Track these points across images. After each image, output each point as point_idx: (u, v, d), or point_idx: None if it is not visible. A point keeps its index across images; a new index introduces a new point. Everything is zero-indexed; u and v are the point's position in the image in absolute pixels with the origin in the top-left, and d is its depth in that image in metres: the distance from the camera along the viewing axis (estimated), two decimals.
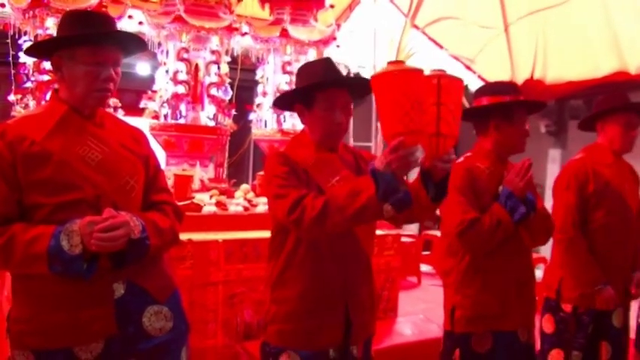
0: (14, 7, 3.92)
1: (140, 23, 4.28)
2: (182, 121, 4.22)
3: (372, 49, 6.38)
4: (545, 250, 2.97)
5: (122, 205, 1.66)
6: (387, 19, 6.44)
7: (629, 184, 2.78)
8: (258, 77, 4.97)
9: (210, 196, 3.70)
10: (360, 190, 1.61)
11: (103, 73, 1.68)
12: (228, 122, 4.47)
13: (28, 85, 4.09)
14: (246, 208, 3.64)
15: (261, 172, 4.19)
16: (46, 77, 3.88)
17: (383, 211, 1.60)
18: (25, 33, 4.07)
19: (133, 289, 1.67)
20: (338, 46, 4.96)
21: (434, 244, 6.91)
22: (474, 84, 6.75)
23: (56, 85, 1.79)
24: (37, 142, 1.61)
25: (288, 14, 4.64)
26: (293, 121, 4.63)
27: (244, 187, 4.07)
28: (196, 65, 4.30)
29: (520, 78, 6.25)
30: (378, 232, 3.09)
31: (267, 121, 4.77)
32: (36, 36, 3.86)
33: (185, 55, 4.22)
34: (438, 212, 2.07)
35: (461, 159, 2.30)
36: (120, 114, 4.12)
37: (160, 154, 4.18)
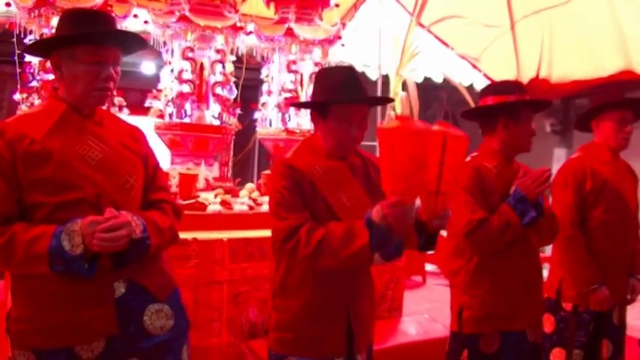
0: (20, 6, 3.92)
1: (145, 22, 4.28)
2: (187, 120, 4.21)
3: (377, 48, 6.36)
4: (550, 250, 2.97)
5: (122, 204, 1.66)
6: (392, 17, 6.42)
7: (627, 182, 2.78)
8: (263, 76, 4.95)
9: (215, 195, 3.70)
10: (355, 237, 1.66)
11: (103, 73, 1.67)
12: (233, 121, 4.46)
13: (34, 84, 4.08)
14: (250, 207, 3.63)
15: (267, 171, 4.19)
16: (51, 76, 3.87)
17: (373, 259, 1.70)
18: (31, 32, 4.06)
19: (133, 288, 1.67)
20: (343, 45, 4.94)
21: (439, 244, 6.88)
22: (479, 82, 6.75)
23: (56, 84, 1.78)
24: (37, 141, 1.60)
25: (293, 13, 4.62)
26: (298, 120, 4.62)
27: (249, 186, 4.06)
28: (201, 64, 4.29)
29: (526, 77, 6.24)
30: None
31: (272, 120, 4.75)
32: (41, 35, 3.86)
33: (190, 54, 4.21)
34: None
35: (468, 158, 2.28)
36: (125, 113, 4.12)
37: (165, 153, 4.19)
